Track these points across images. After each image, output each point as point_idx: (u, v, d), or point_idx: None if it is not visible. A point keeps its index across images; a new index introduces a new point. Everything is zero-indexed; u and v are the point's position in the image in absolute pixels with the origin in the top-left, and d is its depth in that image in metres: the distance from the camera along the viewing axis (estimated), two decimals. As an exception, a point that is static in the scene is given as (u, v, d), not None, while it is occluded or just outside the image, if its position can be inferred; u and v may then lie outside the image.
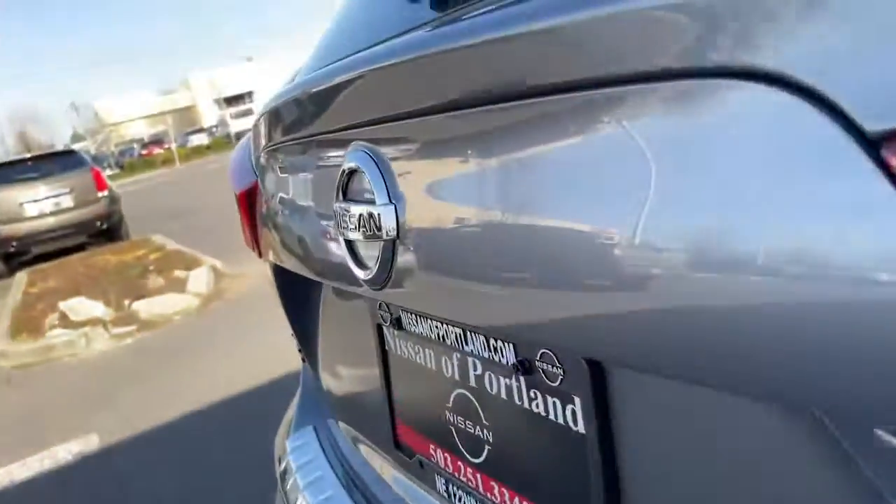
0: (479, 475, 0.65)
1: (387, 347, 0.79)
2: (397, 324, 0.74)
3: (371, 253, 0.61)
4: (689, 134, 0.33)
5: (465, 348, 0.62)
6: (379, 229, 0.57)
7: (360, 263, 0.64)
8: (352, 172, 0.63)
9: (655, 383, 0.44)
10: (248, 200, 0.98)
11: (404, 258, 0.57)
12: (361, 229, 0.60)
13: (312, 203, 0.77)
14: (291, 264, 0.87)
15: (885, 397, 0.26)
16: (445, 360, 0.67)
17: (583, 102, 0.38)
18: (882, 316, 0.25)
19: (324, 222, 0.73)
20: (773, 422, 0.37)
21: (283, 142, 0.82)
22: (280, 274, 1.00)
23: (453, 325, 0.63)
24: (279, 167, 0.86)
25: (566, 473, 0.53)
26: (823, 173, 0.26)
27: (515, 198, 0.45)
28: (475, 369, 0.62)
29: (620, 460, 0.48)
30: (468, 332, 0.61)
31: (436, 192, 0.54)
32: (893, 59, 0.24)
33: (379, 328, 0.79)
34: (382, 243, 0.58)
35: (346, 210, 0.62)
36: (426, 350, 0.70)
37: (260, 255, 1.00)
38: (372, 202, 0.58)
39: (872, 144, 0.25)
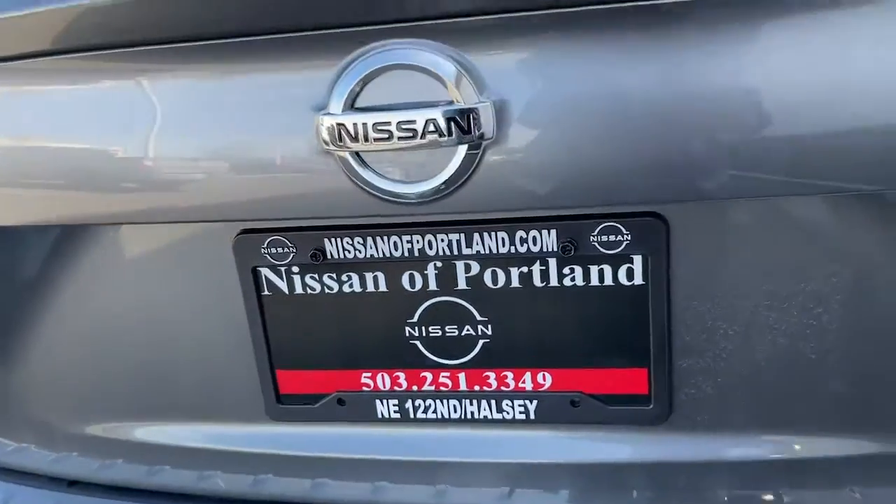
0: (461, 374, 0.67)
1: (265, 293, 0.66)
2: (313, 257, 0.64)
3: (427, 165, 0.54)
4: None
5: (464, 250, 0.62)
6: (467, 131, 0.52)
7: (392, 180, 0.55)
8: (375, 72, 0.53)
9: (707, 232, 0.60)
10: None
11: (496, 157, 0.54)
12: (428, 136, 0.52)
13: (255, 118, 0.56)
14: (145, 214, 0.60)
15: None
16: (412, 276, 0.64)
17: None
18: None
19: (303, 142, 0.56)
20: (824, 239, 0.59)
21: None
22: None
23: (448, 232, 0.62)
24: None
25: (615, 329, 0.64)
26: None
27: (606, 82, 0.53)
28: (468, 272, 0.64)
29: (675, 305, 0.62)
30: (475, 233, 0.62)
31: (528, 87, 0.54)
32: None
33: (254, 272, 0.65)
34: (465, 146, 0.53)
35: (378, 123, 0.53)
36: (370, 275, 0.65)
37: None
38: (433, 105, 0.52)
39: None
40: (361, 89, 0.53)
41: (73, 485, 0.80)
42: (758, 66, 0.50)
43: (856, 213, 0.56)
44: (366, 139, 0.53)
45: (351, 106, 0.53)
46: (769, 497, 0.66)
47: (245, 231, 0.64)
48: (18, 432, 0.80)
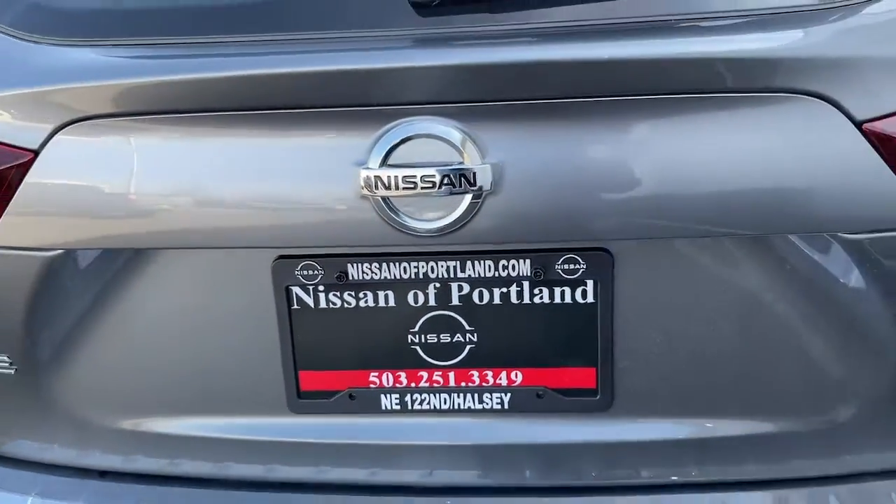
0: (450, 373, 0.85)
1: (296, 311, 0.82)
2: (338, 279, 0.80)
3: (445, 213, 0.72)
4: None
5: (459, 274, 0.80)
6: (473, 184, 0.71)
7: (420, 220, 0.72)
8: (404, 141, 0.71)
9: (639, 261, 0.79)
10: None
11: (492, 204, 0.72)
12: (444, 187, 0.71)
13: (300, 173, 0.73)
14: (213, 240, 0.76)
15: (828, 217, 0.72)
16: (416, 294, 0.82)
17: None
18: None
19: (342, 189, 0.72)
20: (737, 270, 0.80)
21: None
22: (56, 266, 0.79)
23: (445, 261, 0.80)
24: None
25: (570, 336, 0.82)
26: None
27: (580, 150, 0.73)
28: (461, 291, 0.82)
29: (617, 317, 0.81)
30: (468, 261, 0.80)
31: (522, 154, 0.73)
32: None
33: (284, 295, 0.81)
34: (470, 195, 0.71)
35: (406, 176, 0.70)
36: (381, 293, 0.82)
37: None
38: (448, 164, 0.71)
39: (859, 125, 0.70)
40: (393, 150, 0.71)
41: (105, 475, 0.93)
42: (664, 151, 0.71)
43: (743, 251, 0.77)
44: (396, 188, 0.70)
45: (385, 163, 0.71)
46: (689, 467, 0.85)
47: (282, 256, 0.80)
48: (58, 429, 0.92)
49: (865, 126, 0.69)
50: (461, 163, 0.70)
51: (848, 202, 0.71)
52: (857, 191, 0.70)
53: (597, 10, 0.73)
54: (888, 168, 0.69)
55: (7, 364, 0.87)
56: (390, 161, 0.71)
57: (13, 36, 0.78)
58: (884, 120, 0.69)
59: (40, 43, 0.78)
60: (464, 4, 0.73)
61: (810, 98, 0.69)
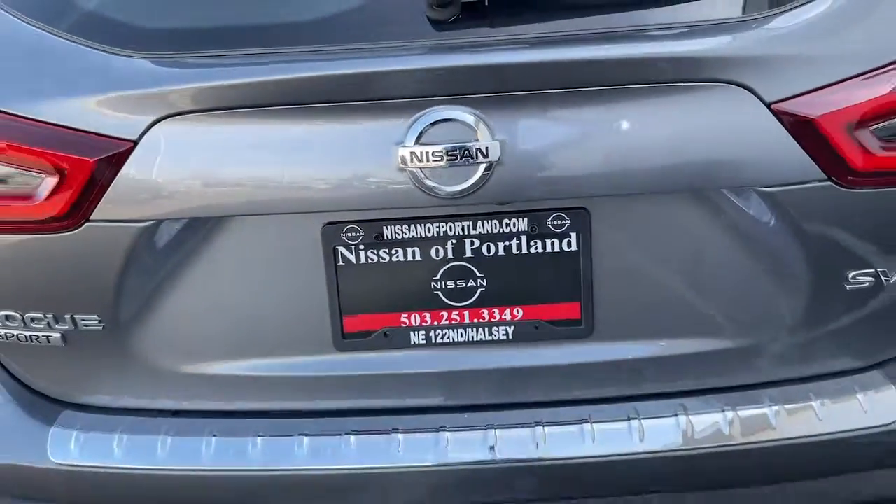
0: (465, 312, 1.06)
1: (341, 265, 1.03)
2: (374, 241, 1.02)
3: (466, 176, 0.94)
4: None
5: (472, 231, 1.02)
6: (493, 158, 0.93)
7: (445, 181, 0.94)
8: (433, 124, 0.93)
9: (611, 216, 1.02)
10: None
11: (499, 172, 0.95)
12: (463, 161, 0.93)
13: (346, 153, 0.94)
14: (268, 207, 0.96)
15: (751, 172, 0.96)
16: (437, 249, 1.03)
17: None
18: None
19: (381, 163, 0.94)
20: (686, 220, 1.04)
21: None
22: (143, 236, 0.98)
23: (458, 222, 1.02)
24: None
25: (559, 278, 1.05)
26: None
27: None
28: (472, 245, 1.03)
29: (596, 262, 1.04)
30: (478, 221, 1.02)
31: (522, 133, 0.96)
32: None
33: (332, 252, 1.02)
34: (486, 161, 0.93)
35: (434, 153, 0.92)
36: (410, 249, 1.03)
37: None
38: (470, 140, 0.93)
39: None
40: (424, 132, 0.92)
41: (178, 413, 1.12)
42: (625, 129, 0.94)
43: (688, 204, 1.00)
44: (427, 160, 0.92)
45: (418, 141, 0.92)
46: (653, 380, 1.09)
47: (329, 223, 1.01)
48: (139, 378, 1.10)
49: (773, 106, 0.93)
50: (476, 140, 0.92)
51: (761, 163, 0.95)
52: (767, 154, 0.95)
53: (574, 23, 0.96)
54: (791, 137, 0.94)
55: (96, 322, 1.06)
56: (422, 140, 0.93)
57: (111, 52, 0.97)
58: (787, 101, 0.94)
59: (132, 57, 0.97)
60: (473, 21, 0.96)
61: (732, 86, 0.93)
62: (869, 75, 0.94)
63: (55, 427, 1.10)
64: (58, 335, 1.07)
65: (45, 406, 1.13)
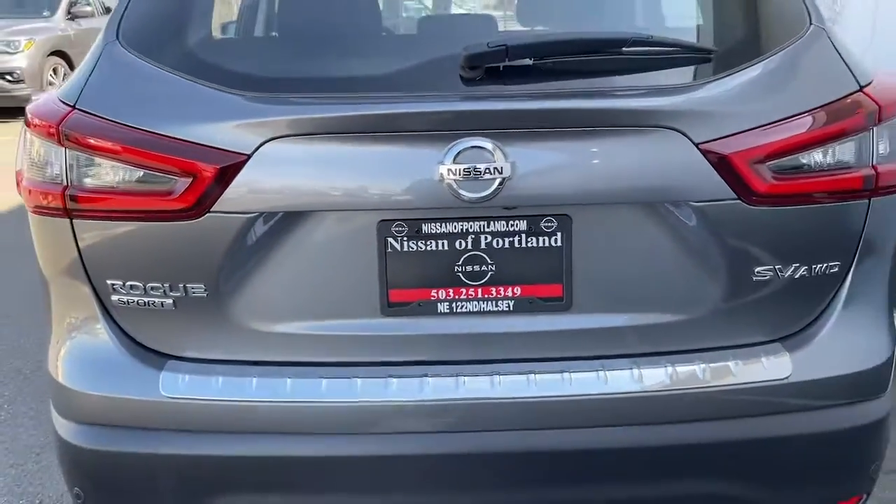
0: (479, 289, 1.45)
1: (389, 252, 1.41)
2: (414, 234, 1.40)
3: (483, 184, 1.32)
4: None
5: (486, 230, 1.42)
6: (503, 173, 1.32)
7: (469, 189, 1.33)
8: (464, 150, 1.32)
9: (588, 218, 1.42)
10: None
11: (509, 185, 1.34)
12: (483, 175, 1.32)
13: (396, 169, 1.33)
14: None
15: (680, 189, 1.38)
16: (460, 242, 1.42)
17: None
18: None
19: (423, 177, 1.33)
20: (640, 225, 1.44)
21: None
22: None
23: (476, 222, 1.41)
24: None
25: (547, 266, 1.44)
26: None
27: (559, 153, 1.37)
28: (483, 242, 1.43)
29: (575, 254, 1.44)
30: (491, 221, 1.41)
31: (526, 158, 1.36)
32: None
33: (383, 241, 1.40)
34: (499, 177, 1.33)
35: (464, 170, 1.32)
36: (443, 242, 1.42)
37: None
38: (489, 161, 1.32)
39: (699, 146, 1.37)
40: (458, 155, 1.32)
41: (258, 364, 1.47)
42: (594, 157, 1.35)
43: (642, 212, 1.40)
44: (459, 175, 1.31)
45: (454, 160, 1.32)
46: (617, 344, 1.47)
47: (383, 220, 1.39)
48: (230, 335, 1.46)
49: (700, 145, 1.35)
50: (494, 161, 1.32)
51: (691, 185, 1.36)
52: (695, 179, 1.36)
53: (562, 83, 1.38)
54: (711, 167, 1.35)
55: (202, 291, 1.42)
56: (457, 161, 1.32)
57: (234, 93, 1.36)
58: (709, 143, 1.35)
59: (248, 96, 1.36)
60: (492, 79, 1.36)
61: (672, 131, 1.35)
62: (765, 128, 1.37)
63: (164, 371, 1.45)
64: (170, 301, 1.43)
65: (155, 357, 1.47)
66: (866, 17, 4.64)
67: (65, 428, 1.51)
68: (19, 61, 9.84)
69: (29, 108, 1.52)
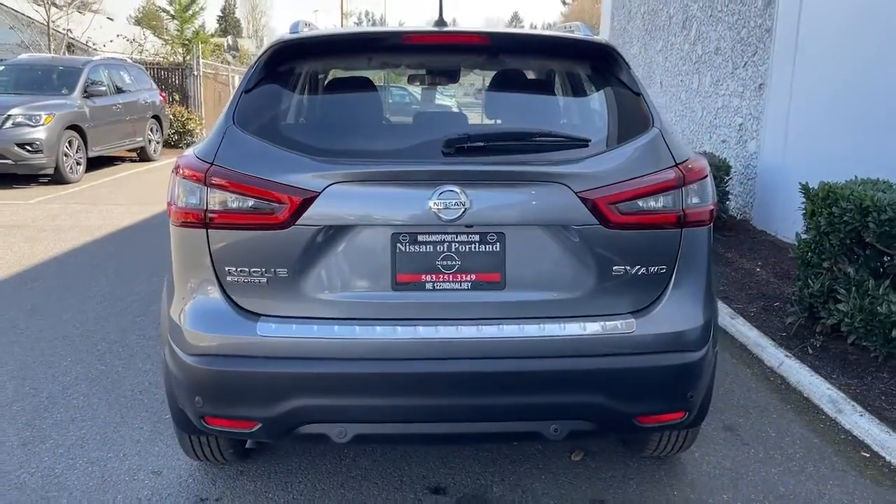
0: (450, 275, 2.44)
1: (398, 251, 2.41)
2: (413, 241, 2.41)
3: (454, 211, 2.33)
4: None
5: (455, 240, 2.42)
6: (466, 206, 2.34)
7: (446, 214, 2.34)
8: (444, 192, 2.34)
9: (515, 234, 2.43)
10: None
11: (469, 212, 2.35)
12: (454, 206, 2.34)
13: (404, 202, 2.34)
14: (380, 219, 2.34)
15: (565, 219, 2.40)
16: (440, 246, 2.42)
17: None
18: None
19: (419, 207, 2.34)
20: (546, 238, 2.45)
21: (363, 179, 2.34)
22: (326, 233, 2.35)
23: (449, 235, 2.42)
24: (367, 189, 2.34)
25: (489, 263, 2.44)
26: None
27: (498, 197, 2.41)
28: (455, 246, 2.43)
29: (507, 255, 2.44)
30: (457, 234, 2.42)
31: (479, 198, 2.38)
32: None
33: (394, 245, 2.41)
34: (463, 208, 2.34)
35: (443, 204, 2.33)
36: (429, 247, 2.42)
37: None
38: (458, 199, 2.34)
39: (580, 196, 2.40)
40: (441, 194, 2.33)
41: (313, 319, 2.44)
42: (511, 201, 2.38)
43: (548, 228, 2.41)
44: (440, 206, 2.32)
45: (438, 197, 2.33)
46: (535, 312, 2.46)
47: (395, 232, 2.39)
48: (298, 301, 2.42)
49: (578, 193, 2.38)
50: (460, 198, 2.33)
51: (573, 217, 2.36)
52: (575, 213, 2.37)
53: (498, 157, 2.42)
54: (584, 206, 2.38)
55: (286, 273, 2.40)
56: (439, 197, 2.33)
57: (305, 156, 2.37)
58: (583, 192, 2.37)
59: (316, 158, 2.38)
60: (460, 151, 2.40)
61: (561, 184, 2.38)
62: (617, 184, 2.40)
63: (259, 322, 2.40)
64: (265, 280, 2.40)
65: (252, 316, 2.42)
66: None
67: (188, 358, 2.43)
68: (39, 133, 10.86)
69: (179, 162, 2.51)
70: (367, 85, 2.89)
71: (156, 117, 14.77)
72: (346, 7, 49.30)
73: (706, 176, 2.56)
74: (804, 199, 4.67)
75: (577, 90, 2.97)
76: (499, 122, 3.04)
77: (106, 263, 6.70)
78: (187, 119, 16.62)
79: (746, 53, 8.18)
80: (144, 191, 11.04)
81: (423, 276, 2.39)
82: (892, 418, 3.58)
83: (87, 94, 12.27)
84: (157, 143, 14.93)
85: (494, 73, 2.99)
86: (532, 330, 2.39)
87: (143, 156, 14.47)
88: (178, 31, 18.30)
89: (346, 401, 2.39)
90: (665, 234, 2.47)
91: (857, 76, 6.31)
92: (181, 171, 2.46)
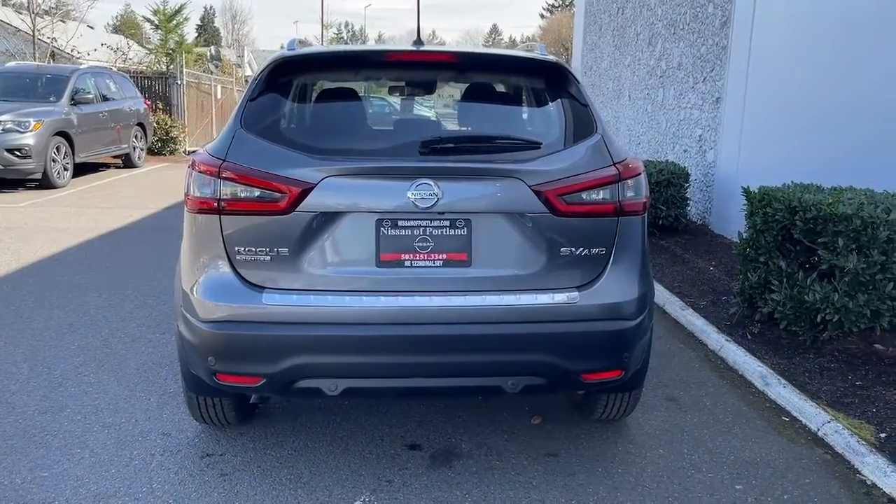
0: (425, 255, 2.90)
1: (381, 234, 2.88)
2: (394, 225, 2.88)
3: (429, 200, 2.80)
4: None
5: (430, 224, 2.89)
6: (439, 196, 2.81)
7: (422, 203, 2.81)
8: (420, 184, 2.82)
9: (480, 220, 2.90)
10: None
11: (441, 201, 2.83)
12: (429, 197, 2.81)
13: (387, 193, 2.82)
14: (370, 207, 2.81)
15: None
16: (417, 230, 2.89)
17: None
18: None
19: (399, 197, 2.81)
20: (505, 224, 2.93)
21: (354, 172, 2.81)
22: (321, 218, 2.81)
23: (424, 220, 2.89)
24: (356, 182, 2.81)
25: (458, 244, 2.91)
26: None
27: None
28: (429, 230, 2.90)
29: (473, 238, 2.90)
30: (431, 220, 2.89)
31: (449, 189, 2.87)
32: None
33: (378, 229, 2.88)
34: (436, 198, 2.82)
35: (420, 195, 2.81)
36: (407, 231, 2.89)
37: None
38: (432, 190, 2.82)
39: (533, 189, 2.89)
40: (418, 186, 2.80)
41: (309, 291, 2.90)
42: (478, 192, 2.88)
43: (509, 215, 2.88)
44: (417, 195, 2.79)
45: (416, 189, 2.80)
46: (494, 285, 2.94)
47: (379, 218, 2.86)
48: (299, 275, 2.87)
49: (531, 186, 2.85)
50: (434, 189, 2.80)
51: (526, 206, 2.84)
52: (529, 203, 2.84)
53: (466, 156, 2.91)
54: (536, 197, 2.87)
55: (287, 251, 2.85)
56: (416, 189, 2.80)
57: (305, 154, 2.84)
58: (536, 185, 2.85)
59: (314, 156, 2.85)
60: (435, 150, 2.88)
61: (517, 179, 2.86)
62: (564, 179, 2.89)
63: (265, 293, 2.86)
64: (269, 258, 2.86)
65: (258, 288, 2.87)
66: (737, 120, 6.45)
67: (202, 325, 2.87)
68: (28, 139, 11.20)
69: (195, 159, 2.96)
70: (354, 95, 3.37)
71: (140, 125, 15.13)
72: (326, 19, 49.73)
73: (640, 174, 3.06)
74: (745, 202, 5.21)
75: (534, 101, 3.45)
76: (468, 127, 3.53)
77: (102, 261, 7.09)
78: (171, 127, 16.98)
79: (705, 69, 8.77)
80: (130, 196, 11.40)
81: (403, 255, 2.86)
82: (811, 390, 4.10)
83: (75, 102, 12.61)
84: (142, 150, 15.27)
85: (465, 86, 3.48)
86: (493, 300, 2.86)
87: (127, 162, 14.81)
88: (162, 40, 18.61)
89: (337, 359, 2.84)
90: (604, 221, 2.96)
91: (799, 92, 6.90)
92: (197, 167, 2.91)
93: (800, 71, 6.89)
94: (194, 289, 2.90)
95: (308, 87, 3.60)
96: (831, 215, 4.39)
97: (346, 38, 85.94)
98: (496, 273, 2.90)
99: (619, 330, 2.95)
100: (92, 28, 29.83)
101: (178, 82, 17.63)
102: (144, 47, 20.04)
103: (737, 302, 5.24)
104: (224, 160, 2.84)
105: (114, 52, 18.28)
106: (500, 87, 3.62)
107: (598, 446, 3.50)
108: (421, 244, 2.85)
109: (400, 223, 2.83)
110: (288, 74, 3.17)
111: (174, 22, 18.62)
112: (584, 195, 2.91)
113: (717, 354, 4.78)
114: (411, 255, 2.86)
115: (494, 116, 3.45)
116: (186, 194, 2.95)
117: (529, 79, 3.38)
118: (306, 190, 2.77)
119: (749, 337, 4.91)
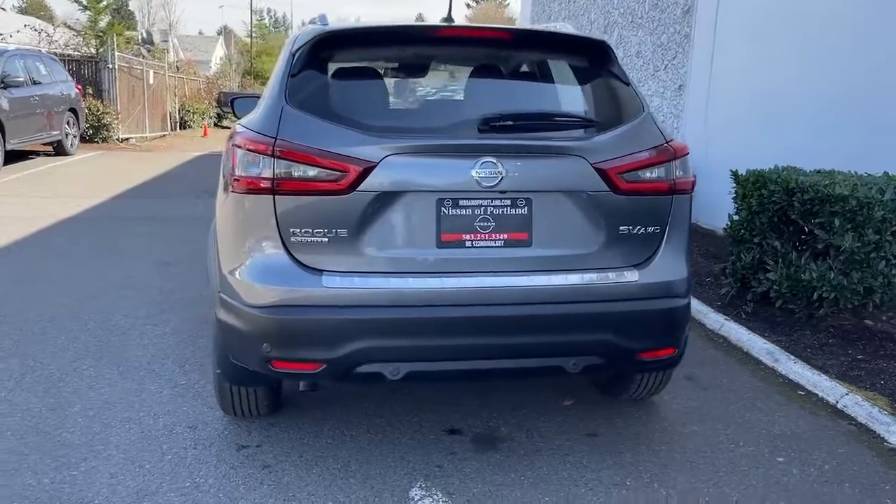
0: (487, 234, 2.85)
1: (442, 214, 2.81)
2: (455, 205, 2.81)
3: (493, 179, 2.75)
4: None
5: (491, 204, 2.83)
6: (502, 175, 2.76)
7: (485, 182, 2.75)
8: (484, 162, 2.76)
9: (541, 199, 2.87)
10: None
11: (505, 179, 2.78)
12: (493, 175, 2.75)
13: (450, 171, 2.74)
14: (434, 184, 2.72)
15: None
16: (478, 209, 2.83)
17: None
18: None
19: (462, 176, 2.74)
20: (566, 203, 2.91)
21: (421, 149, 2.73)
22: (380, 200, 2.71)
23: (486, 200, 2.83)
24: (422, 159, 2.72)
25: (519, 223, 2.86)
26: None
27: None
28: (490, 210, 2.84)
29: (534, 217, 2.87)
30: (493, 199, 2.84)
31: (512, 168, 2.82)
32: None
33: (439, 208, 2.80)
34: (500, 177, 2.76)
35: (484, 173, 2.75)
36: (469, 210, 2.83)
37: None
38: (496, 168, 2.77)
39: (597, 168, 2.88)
40: (482, 165, 2.74)
41: (369, 273, 2.80)
42: (541, 170, 2.84)
43: (570, 194, 2.86)
44: (482, 174, 2.74)
45: (480, 167, 2.74)
46: (555, 265, 2.90)
47: (440, 198, 2.79)
48: (358, 258, 2.75)
49: (593, 164, 2.84)
50: (498, 168, 2.75)
51: (588, 184, 2.82)
52: (591, 182, 2.84)
53: (529, 134, 2.87)
54: (598, 176, 2.85)
55: (346, 233, 2.74)
56: (480, 167, 2.75)
57: (363, 132, 2.74)
58: (598, 163, 2.84)
59: (373, 132, 2.75)
60: (497, 129, 2.83)
61: (579, 157, 2.84)
62: (622, 157, 2.88)
63: (324, 276, 2.74)
64: (326, 239, 2.74)
65: (316, 271, 2.75)
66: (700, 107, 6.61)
67: (254, 310, 2.73)
68: (-43, 124, 10.46)
69: (239, 138, 2.81)
70: (403, 71, 3.27)
71: (73, 110, 14.41)
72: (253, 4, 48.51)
73: (688, 153, 3.08)
74: (734, 185, 5.34)
75: (583, 79, 3.43)
76: (521, 106, 3.47)
77: (63, 250, 6.72)
78: (103, 113, 16.22)
79: (667, 57, 8.95)
80: (69, 184, 10.85)
81: (464, 236, 2.79)
82: (817, 365, 4.24)
83: (5, 85, 11.89)
84: (74, 136, 14.55)
85: (514, 63, 3.43)
86: (556, 280, 2.84)
87: (59, 150, 14.09)
88: (91, 21, 17.72)
89: (401, 342, 2.75)
90: (660, 199, 2.97)
91: (764, 80, 7.12)
92: (245, 145, 2.76)
93: (766, 58, 7.11)
94: (240, 273, 2.76)
95: (353, 63, 3.47)
96: (828, 196, 4.54)
97: (268, 24, 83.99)
98: (556, 252, 2.87)
99: (674, 307, 2.98)
100: (4, 10, 28.20)
101: (110, 66, 16.84)
102: (72, 29, 19.01)
103: (728, 282, 5.37)
104: (276, 138, 2.70)
105: (38, 33, 17.27)
106: (549, 65, 3.58)
107: (634, 425, 3.52)
108: (482, 224, 2.79)
109: (461, 203, 2.77)
110: (331, 49, 3.05)
111: (104, 2, 17.75)
112: (642, 173, 2.91)
113: (718, 333, 4.89)
114: (472, 235, 2.80)
115: (545, 94, 3.42)
116: (231, 174, 2.79)
117: (577, 57, 3.35)
118: (368, 169, 2.67)
119: (744, 316, 5.04)
